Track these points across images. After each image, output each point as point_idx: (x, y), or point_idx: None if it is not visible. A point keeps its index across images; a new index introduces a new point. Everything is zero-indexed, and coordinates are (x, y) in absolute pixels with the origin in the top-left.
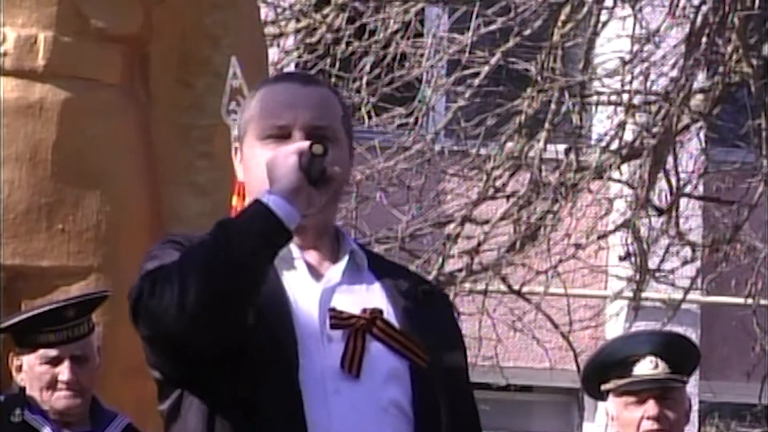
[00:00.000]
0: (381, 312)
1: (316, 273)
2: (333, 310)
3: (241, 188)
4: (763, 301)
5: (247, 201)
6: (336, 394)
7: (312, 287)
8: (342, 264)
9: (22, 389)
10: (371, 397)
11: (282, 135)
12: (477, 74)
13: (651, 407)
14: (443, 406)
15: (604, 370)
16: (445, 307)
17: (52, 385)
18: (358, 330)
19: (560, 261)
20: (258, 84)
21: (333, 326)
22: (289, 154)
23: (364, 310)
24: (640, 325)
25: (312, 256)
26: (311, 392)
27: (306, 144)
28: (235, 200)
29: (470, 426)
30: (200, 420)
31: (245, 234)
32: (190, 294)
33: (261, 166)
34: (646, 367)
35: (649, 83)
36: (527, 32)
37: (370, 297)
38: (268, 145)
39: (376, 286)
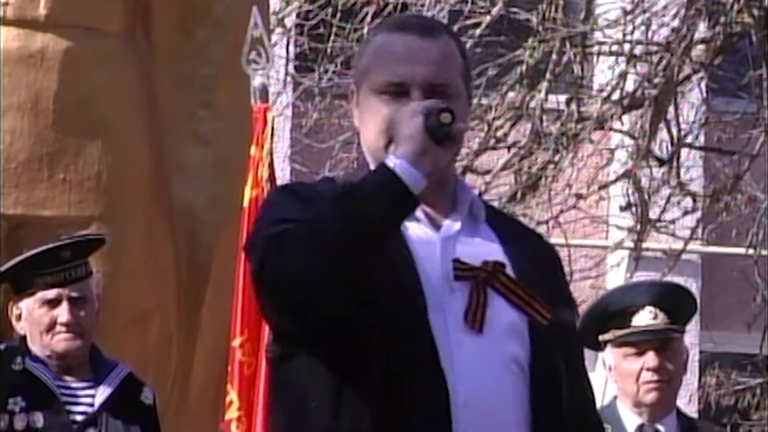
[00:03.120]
0: (503, 266)
1: (435, 223)
2: (457, 261)
3: (260, 137)
4: (764, 252)
5: (365, 151)
6: (458, 347)
7: (432, 237)
8: (461, 214)
9: (23, 338)
10: (492, 352)
11: (400, 92)
12: (478, 24)
13: (650, 358)
14: (561, 366)
15: (603, 321)
16: (557, 263)
17: (52, 327)
18: (480, 283)
19: (561, 211)
20: (375, 29)
21: (457, 277)
22: (415, 113)
23: (486, 263)
24: (641, 275)
25: (430, 206)
26: (439, 342)
27: (433, 103)
28: (253, 149)
29: (584, 386)
30: (324, 372)
31: (373, 201)
32: (320, 261)
33: (376, 119)
34: (646, 317)
35: (650, 33)
36: None
37: (488, 249)
38: (384, 100)
39: (494, 238)
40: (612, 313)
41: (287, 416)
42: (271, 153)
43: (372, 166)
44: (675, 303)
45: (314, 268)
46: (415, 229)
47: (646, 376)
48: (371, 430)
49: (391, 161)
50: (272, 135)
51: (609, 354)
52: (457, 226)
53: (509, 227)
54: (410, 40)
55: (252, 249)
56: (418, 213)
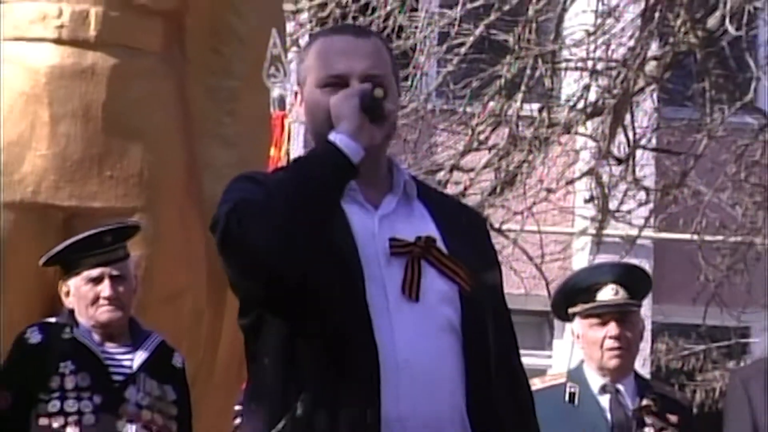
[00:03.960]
0: (434, 240)
1: (372, 203)
2: (393, 239)
3: (278, 140)
4: (707, 237)
5: (312, 138)
6: (398, 314)
7: (369, 216)
8: (396, 194)
9: (71, 311)
10: (428, 317)
11: (340, 83)
12: (463, 44)
13: (612, 328)
14: (489, 325)
15: (572, 296)
16: (483, 228)
17: (95, 301)
18: (414, 257)
19: (534, 203)
20: (314, 35)
21: (393, 254)
22: (351, 96)
23: (419, 239)
24: (602, 258)
25: (368, 187)
26: (377, 312)
27: (367, 86)
28: (273, 151)
29: (509, 341)
30: (278, 339)
31: (317, 169)
32: (273, 225)
33: (321, 110)
34: (608, 293)
35: (609, 52)
36: (506, 8)
37: (421, 224)
38: (327, 92)
39: (426, 214)
40: (579, 289)
41: (253, 379)
42: (287, 153)
43: (336, 139)
44: (633, 281)
45: (268, 235)
46: (356, 210)
47: (609, 343)
48: (313, 388)
49: (332, 136)
50: (289, 138)
51: (577, 324)
52: (393, 205)
53: (439, 202)
54: (347, 39)
55: (215, 225)
56: (357, 195)
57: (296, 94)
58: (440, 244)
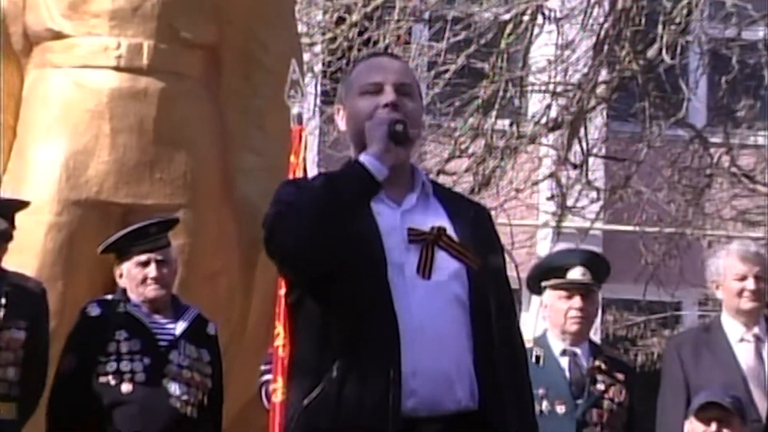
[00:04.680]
0: (444, 229)
1: (396, 200)
2: (411, 229)
3: (297, 150)
4: (647, 229)
5: (350, 142)
6: (414, 289)
7: (394, 211)
8: (415, 193)
9: (123, 290)
10: (439, 292)
11: (376, 90)
12: (448, 71)
13: (577, 301)
14: (491, 299)
15: (546, 273)
16: (488, 220)
17: (144, 281)
18: (428, 243)
19: (505, 201)
20: (356, 62)
21: (411, 241)
22: (382, 122)
23: (432, 228)
24: (561, 246)
25: (393, 187)
26: (397, 288)
27: (395, 116)
28: (292, 158)
29: (509, 311)
30: (319, 311)
31: (347, 184)
32: (307, 228)
33: (360, 113)
34: (577, 273)
35: (567, 77)
36: (483, 41)
37: (436, 216)
38: (366, 97)
39: (440, 208)
40: (554, 267)
41: (298, 348)
42: (304, 160)
43: (352, 153)
44: (598, 266)
45: (299, 237)
46: (382, 208)
47: (573, 313)
48: (345, 355)
49: (362, 157)
50: (305, 148)
51: (547, 296)
52: (413, 201)
53: (451, 198)
54: (382, 59)
55: (264, 224)
56: (383, 195)
57: (338, 109)
58: (451, 232)
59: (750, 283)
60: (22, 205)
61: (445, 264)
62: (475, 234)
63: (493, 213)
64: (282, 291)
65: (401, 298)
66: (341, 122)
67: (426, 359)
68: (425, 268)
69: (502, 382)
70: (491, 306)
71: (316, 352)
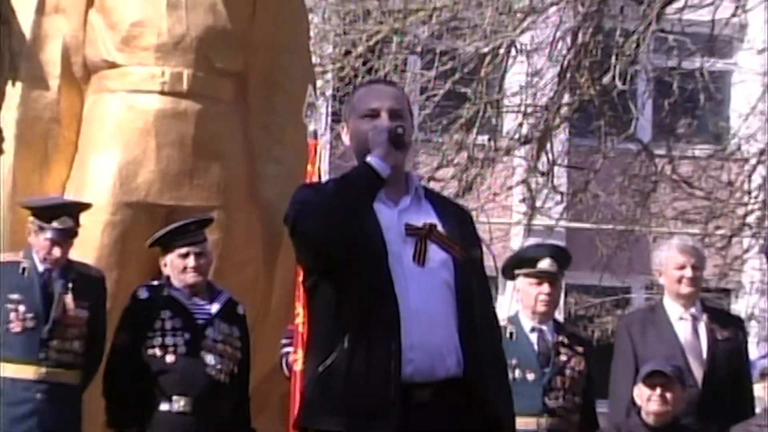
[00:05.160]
0: (435, 225)
1: (394, 201)
2: (407, 224)
3: (313, 160)
4: (602, 226)
5: (353, 156)
6: (411, 275)
7: (392, 210)
8: (410, 195)
9: (167, 277)
10: (431, 278)
11: (374, 115)
12: (436, 94)
13: (545, 288)
14: (473, 285)
15: (519, 263)
16: (470, 220)
17: (184, 270)
18: (422, 237)
19: (485, 203)
20: (357, 86)
21: (407, 234)
22: (382, 130)
23: (425, 224)
24: (531, 241)
25: (391, 190)
26: (396, 274)
27: (393, 124)
28: (309, 167)
29: (486, 296)
30: (332, 294)
31: (356, 181)
32: (325, 219)
33: (361, 134)
34: (545, 264)
35: (536, 100)
36: (466, 70)
37: (427, 215)
38: (365, 120)
39: (430, 209)
40: (525, 259)
41: (315, 325)
42: (319, 169)
43: (372, 160)
44: (563, 258)
45: (316, 227)
46: (382, 207)
47: (541, 297)
48: (354, 330)
49: (369, 159)
50: (320, 159)
51: (519, 282)
52: (408, 202)
53: (439, 200)
54: (379, 87)
55: (287, 219)
56: (383, 196)
57: (342, 127)
58: (440, 228)
59: (688, 272)
60: (85, 206)
61: (436, 254)
62: (460, 231)
63: (474, 213)
64: (300, 278)
65: (400, 283)
66: (346, 138)
67: (421, 334)
68: (420, 258)
69: (482, 355)
70: (473, 291)
71: (329, 328)
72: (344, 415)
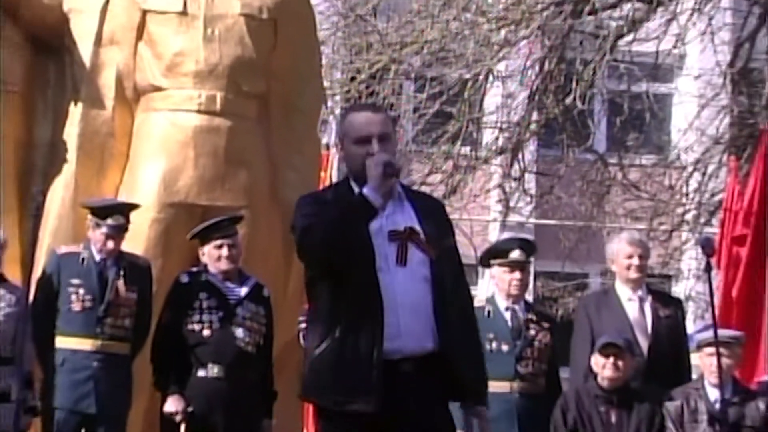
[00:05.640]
0: (414, 229)
1: (381, 208)
2: (391, 230)
3: (325, 168)
4: (565, 223)
5: (348, 173)
6: (395, 273)
7: (379, 217)
8: (393, 199)
9: (205, 265)
10: (413, 274)
11: (366, 140)
12: (426, 113)
13: (517, 274)
14: (446, 277)
15: (495, 253)
16: (443, 211)
17: (219, 259)
18: (403, 240)
19: (467, 203)
20: (347, 109)
21: (390, 239)
22: (378, 164)
23: (405, 228)
24: (505, 235)
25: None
26: (383, 273)
27: (387, 158)
28: (322, 174)
29: (460, 280)
30: (325, 292)
31: (351, 210)
32: (323, 238)
33: (356, 157)
34: (516, 254)
35: (509, 118)
36: (451, 93)
37: (408, 217)
38: (358, 145)
39: (410, 208)
40: (499, 250)
41: (312, 314)
42: (330, 176)
43: (351, 182)
44: (530, 248)
45: (321, 244)
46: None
47: (514, 282)
48: (345, 320)
49: (364, 190)
50: (331, 167)
51: (495, 270)
52: (392, 208)
53: (417, 197)
54: (368, 114)
55: (293, 230)
56: None
57: (337, 145)
58: (418, 228)
59: (635, 261)
60: (135, 206)
61: (415, 255)
62: (435, 223)
63: (457, 213)
64: None
65: (385, 280)
66: (341, 153)
67: (402, 323)
68: (402, 259)
69: (453, 334)
70: (446, 283)
71: (324, 319)
72: (333, 393)
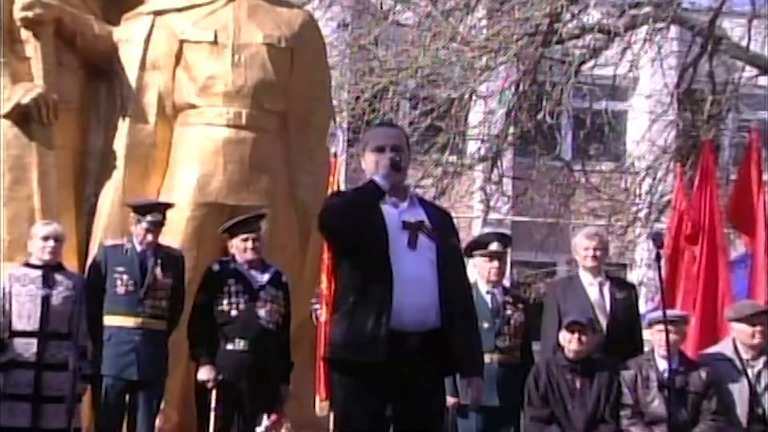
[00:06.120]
0: (423, 222)
1: (396, 205)
2: (404, 221)
3: (333, 171)
4: (537, 220)
5: (343, 173)
6: (405, 256)
7: (394, 211)
8: (407, 201)
9: (233, 255)
10: (421, 257)
11: (381, 149)
12: (420, 127)
13: (495, 263)
14: (449, 263)
15: (476, 245)
16: (449, 218)
17: (245, 250)
18: (414, 230)
19: (454, 203)
20: (369, 128)
21: (404, 228)
22: (386, 159)
23: (417, 221)
24: (486, 230)
25: (396, 196)
26: (394, 256)
27: (393, 155)
28: (331, 178)
29: (461, 272)
30: (346, 269)
31: (364, 193)
32: (342, 217)
33: (372, 163)
34: (495, 246)
35: (490, 131)
36: (441, 110)
37: (418, 214)
38: (375, 153)
39: (421, 210)
40: (480, 242)
41: (337, 287)
42: (337, 180)
43: (376, 179)
44: (506, 241)
45: (340, 223)
46: (388, 208)
47: (493, 270)
48: (361, 292)
49: (375, 177)
50: (338, 172)
51: (477, 259)
52: (406, 205)
53: (428, 205)
54: (384, 129)
55: (319, 217)
56: (388, 201)
57: (359, 154)
58: (427, 224)
59: (590, 252)
60: (170, 205)
61: (424, 242)
62: (442, 225)
63: None
64: (326, 255)
65: (396, 262)
66: (363, 163)
67: (413, 297)
68: (413, 244)
69: (453, 312)
70: (449, 266)
71: (346, 290)
72: (347, 348)
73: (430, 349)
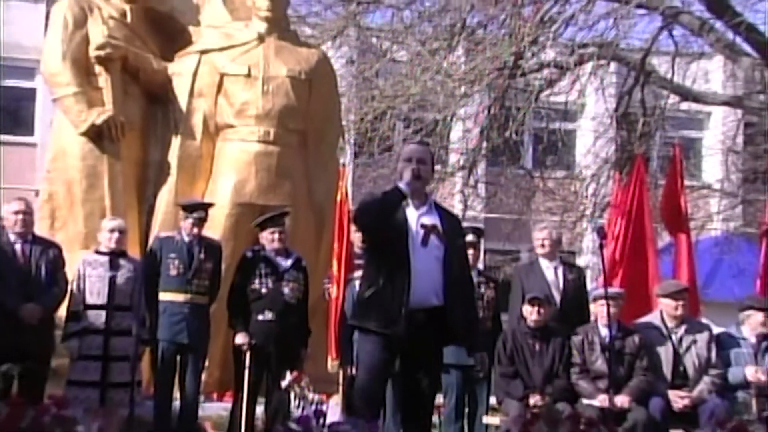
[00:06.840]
0: (436, 225)
1: (417, 207)
2: (422, 224)
3: (342, 177)
4: (504, 216)
5: (350, 180)
6: (419, 251)
7: (415, 213)
8: (427, 206)
9: (262, 245)
10: (430, 253)
11: (409, 160)
12: (416, 135)
13: (471, 251)
14: (454, 259)
15: None
16: (458, 222)
17: (272, 240)
18: (428, 231)
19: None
20: (405, 144)
21: (421, 227)
22: (410, 169)
23: (431, 224)
24: (465, 224)
25: (417, 201)
26: (413, 251)
27: (415, 167)
28: (340, 183)
29: (465, 266)
30: (374, 258)
31: (389, 196)
32: (370, 215)
33: (401, 171)
34: (470, 237)
35: (467, 146)
36: (429, 128)
37: (434, 219)
38: (404, 162)
39: (436, 215)
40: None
41: (365, 270)
42: (345, 187)
43: (400, 185)
44: (479, 233)
45: (369, 220)
46: (410, 210)
47: (470, 257)
48: (385, 277)
49: (399, 184)
50: (345, 180)
51: None
52: (425, 209)
53: (443, 211)
54: (415, 146)
55: (354, 214)
56: (411, 204)
57: (395, 164)
58: (439, 227)
59: (542, 242)
60: (211, 205)
61: (434, 242)
62: (452, 228)
63: None
64: (335, 245)
65: (413, 255)
66: (398, 169)
67: (422, 282)
68: (426, 242)
69: (453, 295)
70: (454, 263)
71: (373, 274)
72: (374, 321)
73: (433, 324)
